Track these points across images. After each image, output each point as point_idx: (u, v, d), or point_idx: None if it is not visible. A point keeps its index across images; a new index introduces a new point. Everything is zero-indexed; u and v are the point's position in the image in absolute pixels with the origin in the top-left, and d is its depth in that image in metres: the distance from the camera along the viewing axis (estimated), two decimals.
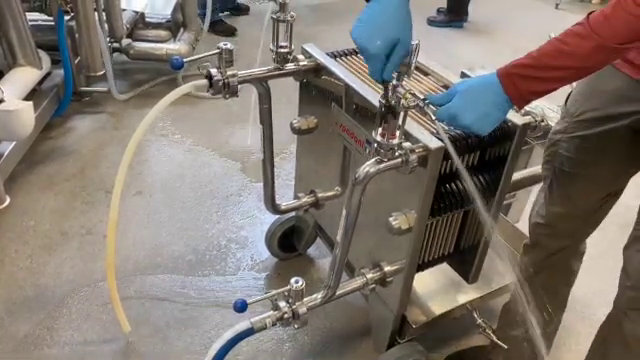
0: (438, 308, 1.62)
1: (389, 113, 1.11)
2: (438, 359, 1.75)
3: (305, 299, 1.41)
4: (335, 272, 1.40)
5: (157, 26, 3.24)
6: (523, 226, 1.71)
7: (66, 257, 2.05)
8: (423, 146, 1.21)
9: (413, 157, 1.19)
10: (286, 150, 2.67)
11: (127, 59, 3.19)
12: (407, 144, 1.20)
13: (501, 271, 1.76)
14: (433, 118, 1.04)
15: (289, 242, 2.03)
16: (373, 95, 1.38)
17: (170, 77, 3.27)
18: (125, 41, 3.09)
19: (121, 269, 1.99)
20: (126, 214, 2.24)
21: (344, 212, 1.27)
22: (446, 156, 1.24)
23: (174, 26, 3.29)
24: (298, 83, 1.65)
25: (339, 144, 1.58)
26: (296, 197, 1.81)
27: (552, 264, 1.48)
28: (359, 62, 1.58)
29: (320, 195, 1.77)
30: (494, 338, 1.65)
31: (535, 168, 1.59)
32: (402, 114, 1.12)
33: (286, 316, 1.38)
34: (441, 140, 1.21)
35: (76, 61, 2.82)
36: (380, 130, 1.15)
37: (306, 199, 1.77)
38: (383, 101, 1.10)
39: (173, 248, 2.13)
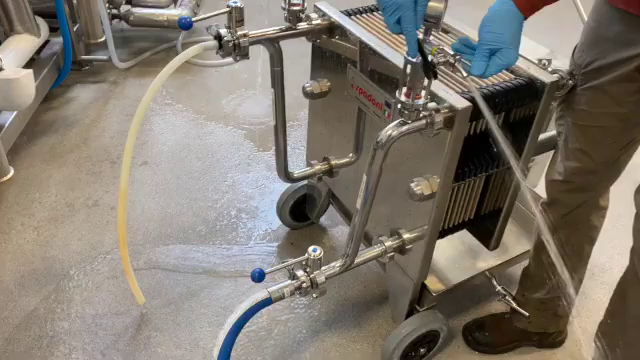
0: (458, 275, 1.59)
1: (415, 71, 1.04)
2: (457, 326, 1.72)
3: (323, 268, 1.37)
4: (354, 240, 1.35)
5: None
6: (541, 191, 1.66)
7: (73, 229, 2.01)
8: (449, 106, 1.15)
9: (438, 118, 1.13)
10: (295, 117, 2.60)
11: (127, 26, 3.09)
12: (432, 104, 1.14)
13: (519, 237, 1.72)
14: (465, 75, 0.98)
15: (301, 211, 1.98)
16: (393, 54, 1.31)
17: (171, 44, 3.18)
18: (124, 7, 3.00)
19: (131, 240, 1.95)
20: (133, 184, 2.19)
21: (364, 178, 1.21)
22: (472, 117, 1.18)
23: None
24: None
25: (353, 108, 1.51)
26: (309, 164, 1.75)
27: (572, 220, 1.44)
28: (376, 20, 1.50)
29: (334, 162, 1.71)
30: (514, 305, 1.61)
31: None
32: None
33: (304, 285, 1.34)
34: (470, 100, 1.15)
35: (75, 28, 2.73)
36: (404, 90, 1.09)
37: (319, 167, 1.72)
38: (409, 57, 1.03)
39: (182, 219, 2.08)
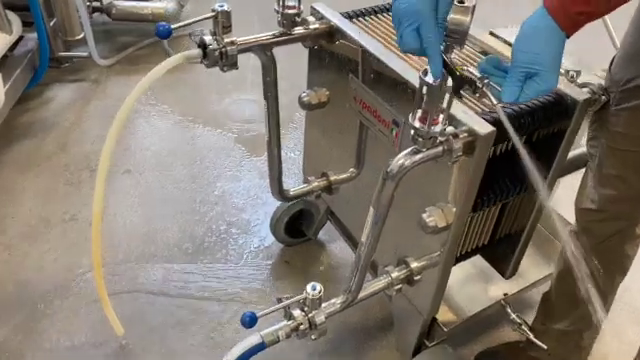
0: (471, 305, 1.45)
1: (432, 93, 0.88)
2: (467, 355, 1.59)
3: (323, 305, 1.22)
4: (357, 275, 1.20)
5: None
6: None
7: (49, 248, 1.84)
8: (469, 130, 0.99)
9: (457, 145, 0.98)
10: (290, 119, 2.43)
11: (109, 19, 2.90)
12: (449, 128, 0.99)
13: (536, 260, 1.58)
14: (495, 103, 0.82)
15: (297, 226, 1.83)
16: (402, 66, 1.15)
17: (156, 39, 2.98)
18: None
19: (110, 260, 1.79)
20: (114, 196, 2.03)
21: (371, 210, 1.06)
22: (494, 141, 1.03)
23: None
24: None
25: (355, 119, 1.35)
26: (306, 181, 1.59)
27: (604, 250, 1.30)
28: (382, 24, 1.34)
29: (333, 178, 1.55)
30: (532, 337, 1.47)
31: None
32: (448, 95, 0.89)
33: (302, 327, 1.19)
34: (492, 123, 1.00)
35: (51, 23, 2.54)
36: (419, 113, 0.93)
37: (317, 183, 1.56)
38: (426, 79, 0.87)
39: (167, 234, 1.92)
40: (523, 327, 1.50)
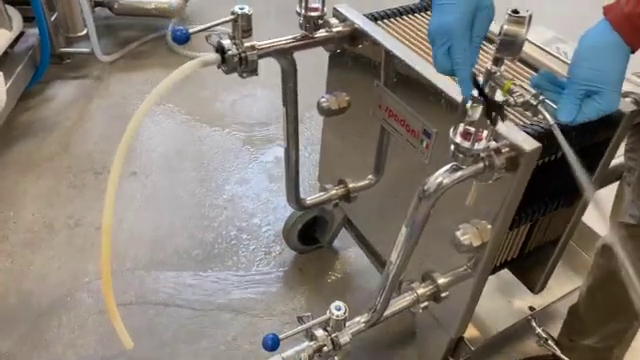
0: (497, 322, 1.39)
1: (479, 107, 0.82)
2: None
3: (347, 324, 1.15)
4: (384, 294, 1.13)
5: None
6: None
7: (53, 255, 1.77)
8: (513, 146, 0.93)
9: (500, 161, 0.91)
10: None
11: (111, 14, 2.81)
12: (492, 143, 0.92)
13: (563, 272, 1.52)
14: (551, 122, 0.75)
15: (310, 233, 1.76)
16: (435, 73, 1.08)
17: (160, 34, 2.90)
18: None
19: (117, 268, 1.72)
20: (121, 200, 1.95)
21: (403, 229, 0.99)
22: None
23: None
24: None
25: (375, 125, 1.29)
26: (323, 189, 1.52)
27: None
28: (407, 26, 1.27)
29: (351, 186, 1.49)
30: (559, 353, 1.41)
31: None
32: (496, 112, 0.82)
33: (325, 349, 1.13)
34: (536, 137, 0.93)
35: (52, 18, 2.45)
36: (461, 129, 0.86)
37: (335, 191, 1.49)
38: (473, 92, 0.81)
39: (176, 241, 1.85)
40: (550, 342, 1.44)
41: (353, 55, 1.29)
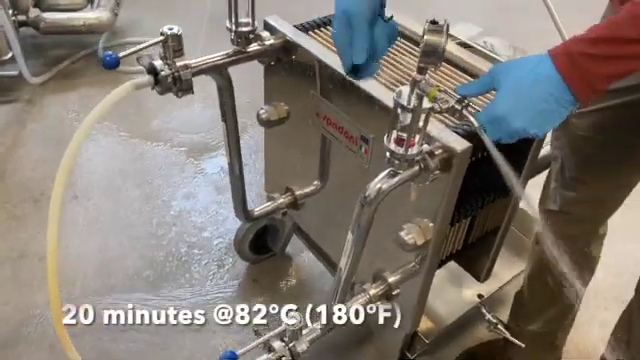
0: (449, 313, 1.44)
1: (408, 115, 0.85)
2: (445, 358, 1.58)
3: (303, 332, 1.17)
4: (337, 299, 1.16)
5: None
6: None
7: None
8: (445, 147, 0.97)
9: (434, 163, 0.95)
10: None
11: (37, 33, 2.72)
12: (424, 146, 0.95)
13: (508, 259, 1.58)
14: (477, 125, 0.79)
15: (262, 243, 1.77)
16: (369, 82, 1.11)
17: (91, 50, 2.82)
18: (33, 12, 2.62)
19: (66, 297, 1.67)
20: (64, 226, 1.89)
21: (349, 236, 1.02)
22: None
23: None
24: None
25: (316, 133, 1.31)
26: (270, 198, 1.53)
27: (570, 251, 1.31)
28: None
29: (298, 193, 1.50)
30: (508, 336, 1.48)
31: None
32: (424, 116, 0.86)
33: (284, 359, 1.14)
34: (465, 136, 0.98)
35: None
36: (394, 135, 0.89)
37: (283, 200, 1.50)
38: (401, 101, 0.84)
39: (126, 263, 1.82)
40: (499, 327, 1.50)
41: (288, 65, 1.30)
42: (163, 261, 1.83)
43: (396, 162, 0.91)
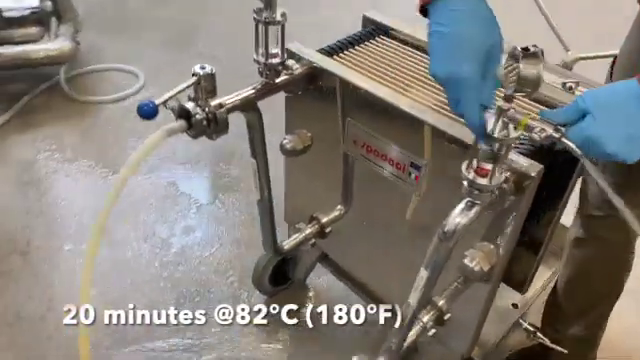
0: (493, 330, 1.40)
1: (496, 145, 0.81)
2: None
3: None
4: (400, 336, 1.11)
5: (22, 22, 2.56)
6: None
7: None
8: (518, 172, 0.93)
9: (510, 189, 0.92)
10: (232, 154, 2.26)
11: None
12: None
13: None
14: (579, 153, 0.75)
15: (282, 273, 1.69)
16: (412, 105, 1.07)
17: (52, 82, 2.65)
18: None
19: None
20: (61, 280, 1.76)
21: (423, 273, 0.97)
22: None
23: (45, 17, 2.62)
24: None
25: (337, 153, 1.26)
26: (295, 230, 1.46)
27: (611, 255, 1.31)
28: (365, 56, 1.24)
29: (324, 220, 1.44)
30: (549, 343, 1.47)
31: None
32: (506, 146, 0.82)
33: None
34: (530, 155, 0.95)
35: None
36: (475, 165, 0.85)
37: (310, 230, 1.44)
38: (488, 131, 0.79)
39: (137, 313, 1.69)
40: (538, 334, 1.49)
41: (312, 91, 1.24)
42: (175, 304, 1.72)
43: (476, 193, 0.87)
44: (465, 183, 0.87)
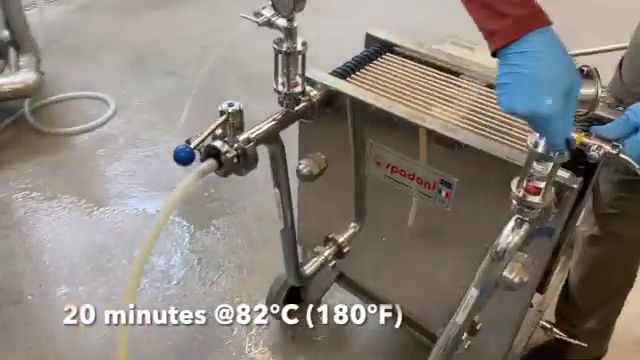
0: (520, 339, 1.42)
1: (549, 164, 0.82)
2: None
3: None
4: (445, 354, 1.10)
5: None
6: None
7: None
8: (559, 185, 0.94)
9: (552, 203, 0.93)
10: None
11: None
12: None
13: None
14: (637, 167, 0.77)
15: (295, 296, 1.66)
16: (439, 124, 1.07)
17: (17, 115, 2.52)
18: None
19: None
20: (63, 333, 1.66)
21: (474, 292, 0.97)
22: None
23: (2, 48, 2.49)
24: None
25: (349, 171, 1.27)
26: (312, 254, 1.44)
27: (627, 251, 1.36)
28: (378, 76, 1.23)
29: (341, 240, 1.43)
30: (566, 338, 1.50)
31: None
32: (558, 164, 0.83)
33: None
34: (568, 166, 0.96)
35: None
36: (525, 184, 0.86)
37: (328, 251, 1.42)
38: (539, 150, 0.80)
39: (147, 354, 1.63)
40: (555, 330, 1.52)
41: (325, 114, 1.22)
42: (189, 342, 1.66)
43: (526, 210, 0.88)
44: (514, 202, 0.88)
